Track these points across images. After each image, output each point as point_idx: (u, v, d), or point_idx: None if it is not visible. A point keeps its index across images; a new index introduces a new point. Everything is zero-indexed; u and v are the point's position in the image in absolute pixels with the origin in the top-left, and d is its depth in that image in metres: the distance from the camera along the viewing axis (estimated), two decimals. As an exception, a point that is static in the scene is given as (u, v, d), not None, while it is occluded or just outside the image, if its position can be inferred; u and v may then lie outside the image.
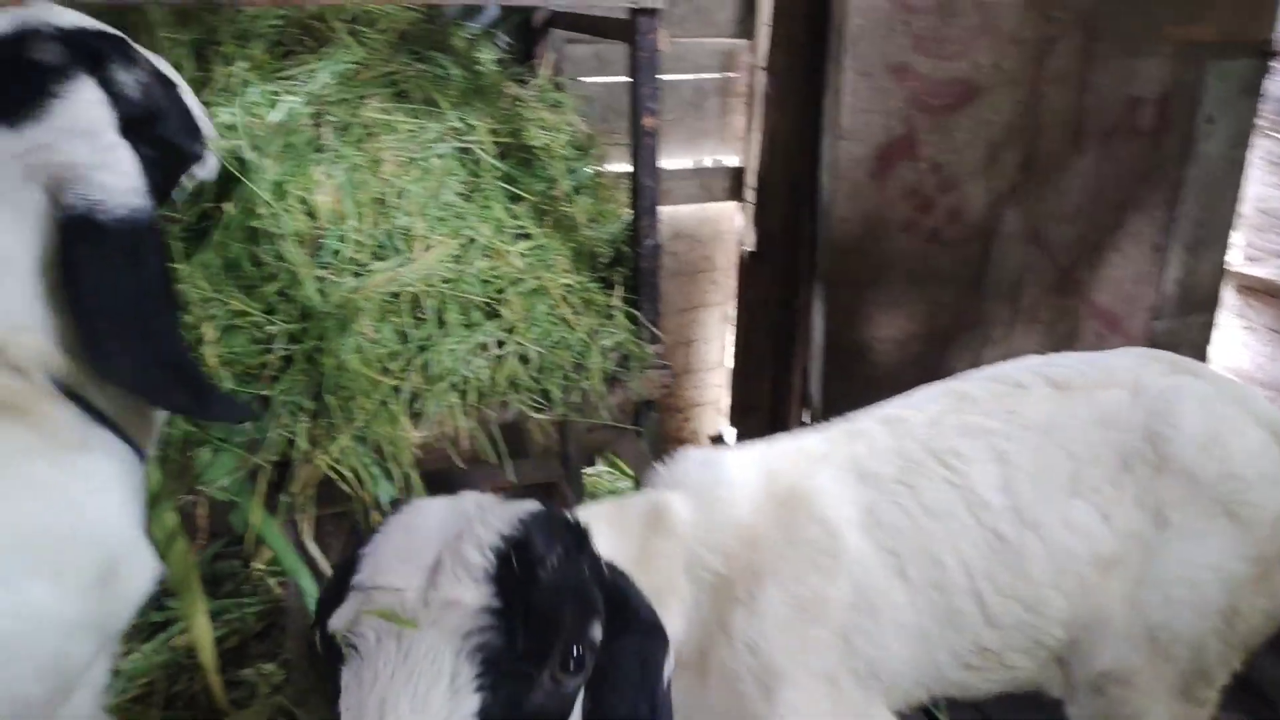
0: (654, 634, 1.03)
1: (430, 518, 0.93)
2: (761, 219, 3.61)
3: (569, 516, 1.02)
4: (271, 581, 3.15)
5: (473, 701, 0.80)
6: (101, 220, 1.38)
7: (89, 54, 1.47)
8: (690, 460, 1.66)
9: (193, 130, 1.65)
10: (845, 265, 3.37)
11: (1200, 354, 3.99)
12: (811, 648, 1.47)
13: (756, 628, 1.44)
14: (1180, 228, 3.74)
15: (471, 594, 0.84)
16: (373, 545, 0.92)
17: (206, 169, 1.73)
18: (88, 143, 1.41)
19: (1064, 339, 3.78)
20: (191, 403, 1.49)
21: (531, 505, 0.98)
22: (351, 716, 0.82)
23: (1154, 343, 3.88)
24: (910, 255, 3.45)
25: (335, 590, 0.90)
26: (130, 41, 1.57)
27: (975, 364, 3.76)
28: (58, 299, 1.45)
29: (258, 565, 3.06)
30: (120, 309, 1.41)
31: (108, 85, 1.47)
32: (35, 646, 1.35)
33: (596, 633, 0.92)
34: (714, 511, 1.52)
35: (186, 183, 1.76)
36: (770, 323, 3.73)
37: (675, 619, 1.40)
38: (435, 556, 0.87)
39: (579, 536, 0.97)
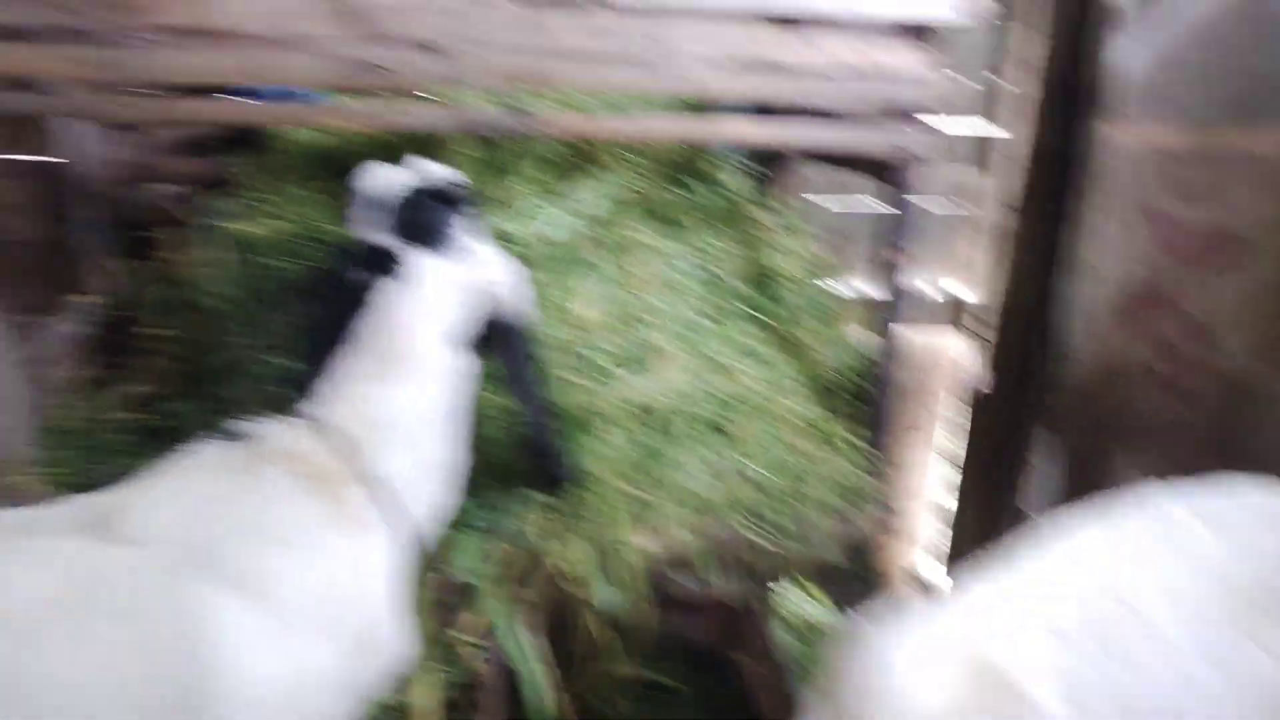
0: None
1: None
2: (995, 357, 3.47)
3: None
4: (468, 652, 3.24)
5: None
6: (517, 327, 1.79)
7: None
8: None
9: None
10: (1081, 411, 3.17)
11: None
12: None
13: None
14: None
15: None
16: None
17: None
18: (492, 269, 1.81)
19: (1327, 515, 3.35)
20: (558, 466, 1.93)
21: None
22: None
23: None
24: (1152, 408, 3.20)
25: None
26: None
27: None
28: (418, 396, 1.71)
29: (454, 633, 3.16)
30: (533, 393, 1.85)
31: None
32: (307, 705, 1.48)
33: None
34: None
35: None
36: (991, 464, 3.55)
37: None
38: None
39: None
